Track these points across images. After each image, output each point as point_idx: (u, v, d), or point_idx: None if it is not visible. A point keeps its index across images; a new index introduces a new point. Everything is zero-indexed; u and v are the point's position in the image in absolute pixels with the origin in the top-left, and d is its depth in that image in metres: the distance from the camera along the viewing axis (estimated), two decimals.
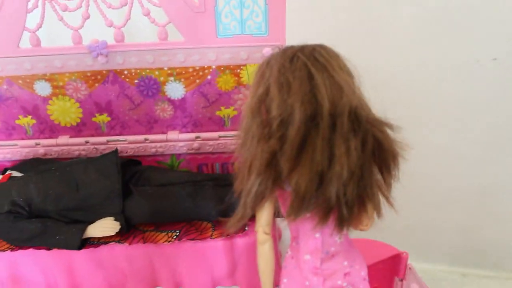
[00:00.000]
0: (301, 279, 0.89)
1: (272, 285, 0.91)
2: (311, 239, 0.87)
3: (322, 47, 0.79)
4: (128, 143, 1.24)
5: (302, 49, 0.77)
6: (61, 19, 1.11)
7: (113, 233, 1.05)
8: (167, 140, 1.23)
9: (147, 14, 1.10)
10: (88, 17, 1.11)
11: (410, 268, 1.23)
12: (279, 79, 0.74)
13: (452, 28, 1.40)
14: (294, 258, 0.91)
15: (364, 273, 0.93)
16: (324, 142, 0.71)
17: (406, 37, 1.45)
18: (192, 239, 1.07)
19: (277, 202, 0.86)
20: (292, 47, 0.79)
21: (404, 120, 1.70)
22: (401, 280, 1.25)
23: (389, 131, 0.78)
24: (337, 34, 1.46)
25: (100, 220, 1.06)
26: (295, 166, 0.73)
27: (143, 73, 1.16)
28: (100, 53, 1.12)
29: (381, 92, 1.59)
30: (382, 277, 1.27)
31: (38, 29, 1.12)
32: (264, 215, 0.86)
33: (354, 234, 1.39)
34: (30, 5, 1.09)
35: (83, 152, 1.25)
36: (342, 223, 0.78)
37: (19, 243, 1.07)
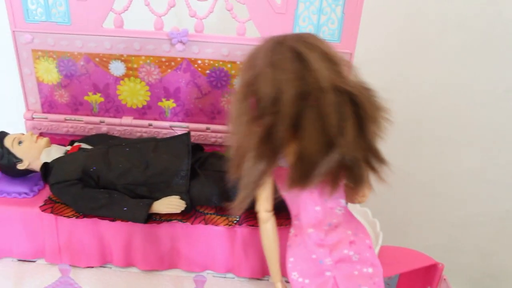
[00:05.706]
0: (307, 253, 0.91)
1: (278, 263, 0.94)
2: (312, 213, 0.91)
3: (307, 33, 0.87)
4: (190, 130, 1.29)
5: (288, 35, 0.85)
6: (148, 4, 1.17)
7: (178, 211, 1.08)
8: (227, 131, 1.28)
9: (231, 9, 1.17)
10: (173, 5, 1.17)
11: (445, 279, 1.28)
12: (269, 60, 0.80)
13: (497, 54, 1.49)
14: (298, 236, 0.93)
15: (369, 241, 0.94)
16: (333, 108, 0.76)
17: (452, 58, 1.53)
18: (252, 226, 1.11)
19: (273, 180, 0.91)
20: (278, 36, 0.85)
21: (440, 140, 1.78)
22: None
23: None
24: (394, 48, 1.55)
25: (166, 197, 1.10)
26: (296, 135, 0.78)
27: (216, 64, 1.22)
28: (180, 41, 1.18)
29: (423, 107, 1.67)
30: (414, 285, 1.32)
31: (123, 12, 1.18)
32: (264, 194, 0.91)
33: (388, 242, 1.44)
34: None
35: (144, 134, 1.30)
36: (356, 185, 0.83)
37: (86, 210, 1.10)
